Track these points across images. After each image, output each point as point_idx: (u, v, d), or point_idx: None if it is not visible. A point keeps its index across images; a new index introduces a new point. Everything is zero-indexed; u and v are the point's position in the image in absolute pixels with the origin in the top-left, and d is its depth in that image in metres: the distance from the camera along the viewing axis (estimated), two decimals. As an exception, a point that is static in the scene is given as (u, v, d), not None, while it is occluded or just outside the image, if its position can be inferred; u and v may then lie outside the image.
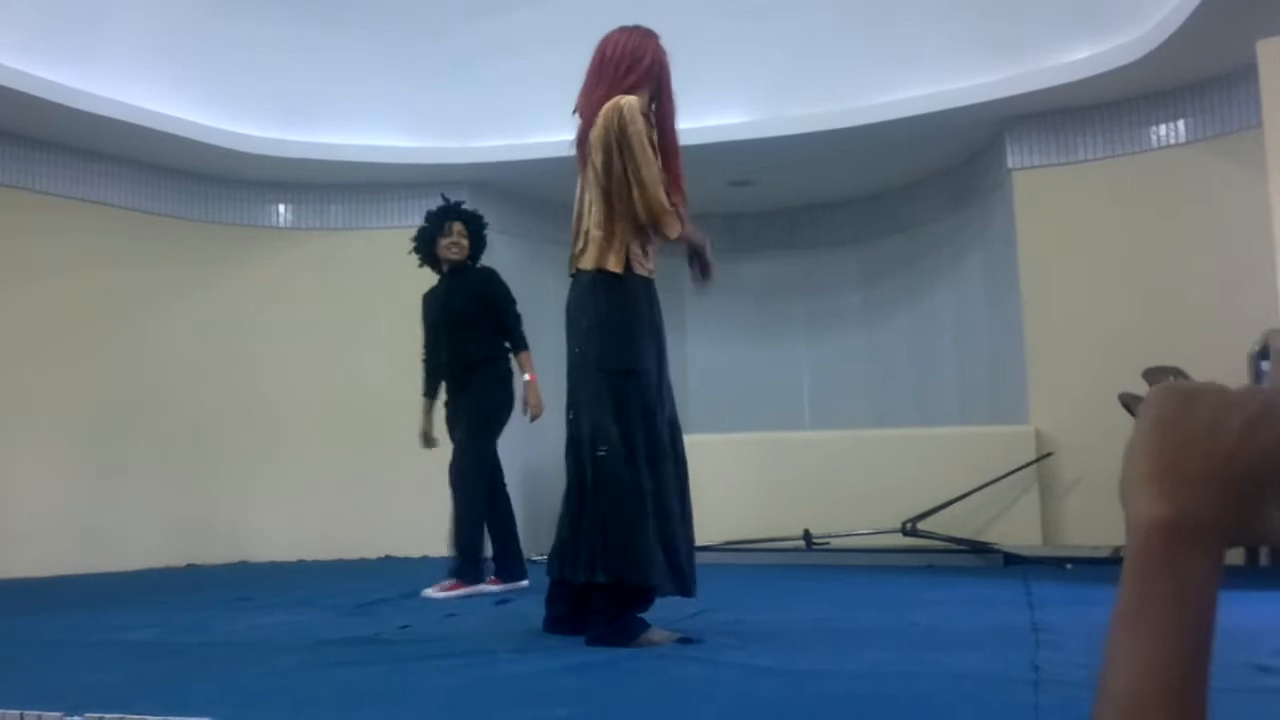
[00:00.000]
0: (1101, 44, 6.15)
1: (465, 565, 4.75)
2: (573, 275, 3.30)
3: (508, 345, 4.94)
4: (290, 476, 7.49)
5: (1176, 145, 6.39)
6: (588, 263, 3.20)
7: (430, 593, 4.64)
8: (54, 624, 4.02)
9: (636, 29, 3.42)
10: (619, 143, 3.18)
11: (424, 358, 5.08)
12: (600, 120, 3.21)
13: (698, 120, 6.94)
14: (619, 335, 3.19)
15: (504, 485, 4.95)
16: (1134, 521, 0.72)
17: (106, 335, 7.00)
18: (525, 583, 4.74)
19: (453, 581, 4.70)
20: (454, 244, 4.99)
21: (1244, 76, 5.61)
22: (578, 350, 3.22)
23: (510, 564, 4.83)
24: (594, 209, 3.22)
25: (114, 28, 6.54)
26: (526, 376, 4.83)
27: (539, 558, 6.43)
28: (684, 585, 3.17)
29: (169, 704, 2.18)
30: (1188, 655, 0.69)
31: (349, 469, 7.42)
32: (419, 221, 5.19)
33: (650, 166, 3.17)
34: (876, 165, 7.78)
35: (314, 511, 7.46)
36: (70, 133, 6.62)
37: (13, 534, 6.38)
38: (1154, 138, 6.48)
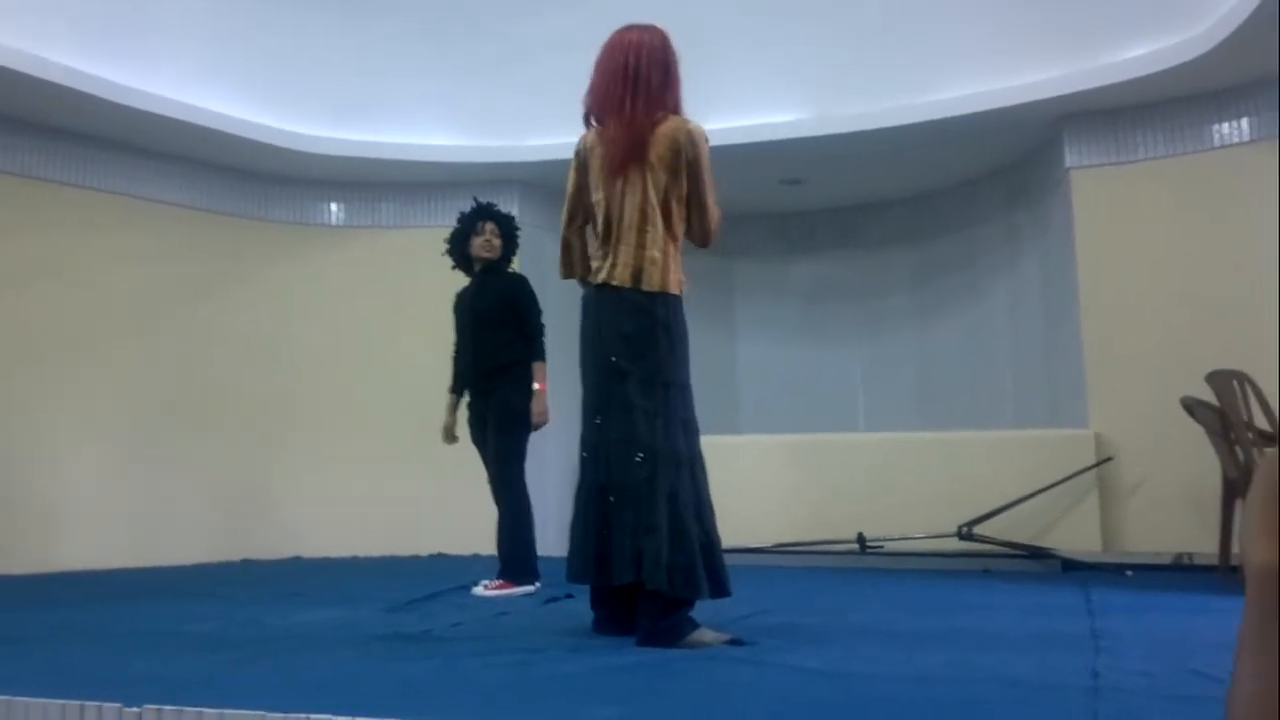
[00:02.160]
0: (1162, 40, 6.03)
1: (514, 565, 4.77)
2: (604, 285, 3.26)
3: None
4: (342, 472, 7.55)
5: (1240, 144, 6.25)
6: (648, 283, 3.19)
7: (479, 591, 4.66)
8: (112, 616, 4.08)
9: (652, 29, 3.36)
10: (689, 167, 3.21)
11: (454, 354, 5.13)
12: (666, 141, 3.20)
13: (748, 118, 6.94)
14: (673, 351, 3.23)
15: (525, 490, 4.95)
16: (1251, 567, 0.83)
17: (162, 331, 7.11)
18: (533, 588, 4.73)
19: (501, 581, 4.72)
20: (486, 243, 5.04)
21: (1311, 73, 5.48)
22: (614, 360, 3.20)
23: (518, 567, 4.83)
24: (649, 227, 3.20)
25: (168, 27, 6.64)
26: (536, 385, 4.84)
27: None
28: (723, 587, 3.16)
29: (225, 695, 2.19)
30: None
31: (401, 465, 7.47)
32: (456, 219, 5.22)
33: (712, 192, 3.27)
34: (930, 164, 7.70)
35: (366, 507, 7.52)
36: (126, 131, 6.73)
37: (73, 526, 6.50)
38: (1216, 136, 6.35)
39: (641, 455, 3.13)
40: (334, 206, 7.98)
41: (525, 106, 7.33)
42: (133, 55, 6.44)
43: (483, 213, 5.13)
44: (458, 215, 5.21)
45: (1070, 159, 6.74)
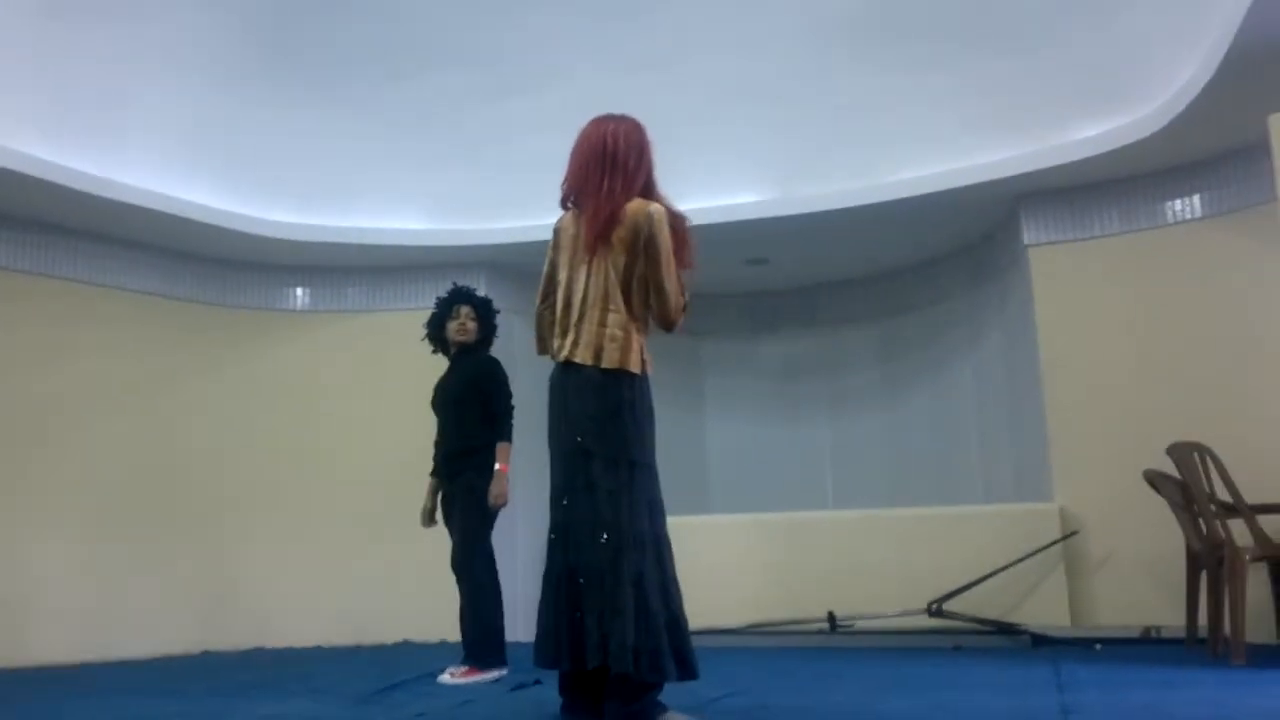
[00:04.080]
0: (1115, 120, 6.18)
1: (481, 650, 4.71)
2: (566, 363, 3.28)
3: None
4: (308, 560, 7.46)
5: (1192, 220, 6.39)
6: (609, 361, 3.21)
7: (446, 679, 4.59)
8: (71, 713, 3.97)
9: (626, 119, 3.44)
10: (646, 249, 3.24)
11: (435, 439, 5.11)
12: (629, 222, 3.24)
13: (712, 199, 7.03)
14: (638, 430, 3.23)
15: (494, 575, 4.90)
16: None
17: (127, 420, 7.04)
18: (501, 672, 4.67)
19: (467, 667, 4.66)
20: (461, 326, 5.07)
21: (1258, 151, 5.62)
22: (580, 440, 3.20)
23: (485, 652, 4.76)
24: (613, 308, 3.24)
25: (134, 115, 6.66)
26: (497, 466, 4.81)
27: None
28: (690, 669, 3.13)
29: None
30: None
31: (367, 551, 7.39)
32: (434, 304, 5.25)
33: (671, 276, 3.27)
34: (893, 243, 7.81)
35: (331, 595, 7.41)
36: (92, 219, 6.72)
37: (34, 621, 6.35)
38: (1169, 213, 6.49)
39: (606, 536, 3.11)
40: (300, 291, 7.98)
41: (491, 190, 7.40)
42: (99, 144, 6.45)
43: (458, 296, 5.17)
44: (436, 299, 5.23)
45: (1028, 236, 6.86)
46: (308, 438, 7.65)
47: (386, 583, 7.30)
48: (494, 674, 4.64)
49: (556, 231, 3.47)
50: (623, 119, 3.44)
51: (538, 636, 3.28)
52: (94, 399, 6.91)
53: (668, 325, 3.31)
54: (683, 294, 3.33)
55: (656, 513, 3.24)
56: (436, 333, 5.15)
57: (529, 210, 7.03)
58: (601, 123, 3.42)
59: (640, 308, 3.28)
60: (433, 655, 5.55)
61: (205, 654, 6.86)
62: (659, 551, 3.19)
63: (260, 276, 7.81)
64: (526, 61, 7.13)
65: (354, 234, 7.47)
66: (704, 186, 6.97)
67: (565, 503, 3.25)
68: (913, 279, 8.38)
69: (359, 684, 4.48)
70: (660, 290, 3.25)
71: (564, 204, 3.47)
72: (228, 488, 7.38)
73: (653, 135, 3.44)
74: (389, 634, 7.22)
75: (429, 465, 5.10)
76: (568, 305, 3.32)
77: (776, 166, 7.19)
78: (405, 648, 6.91)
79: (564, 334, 3.31)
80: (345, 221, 7.46)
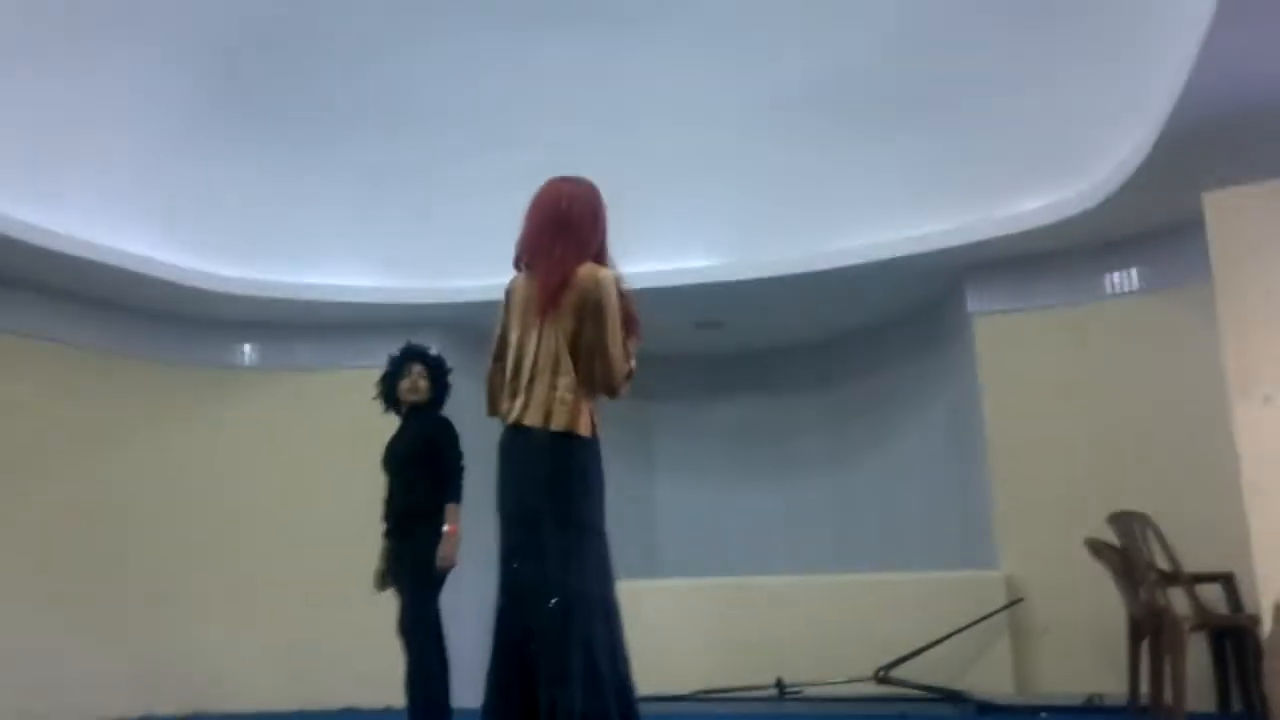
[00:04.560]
0: (1057, 193, 6.33)
1: (428, 716, 4.62)
2: (516, 426, 3.26)
3: None
4: (253, 621, 7.31)
5: (1131, 293, 6.55)
6: (557, 423, 3.20)
7: None
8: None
9: (582, 181, 3.45)
10: (593, 313, 3.23)
11: (385, 498, 5.04)
12: (577, 288, 3.25)
13: (664, 263, 7.10)
14: (588, 494, 3.22)
15: (442, 639, 4.83)
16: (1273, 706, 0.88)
17: (68, 478, 6.88)
18: None
19: None
20: (413, 385, 5.03)
21: (1194, 226, 5.73)
22: (529, 502, 3.19)
23: (439, 717, 4.68)
24: (561, 372, 3.24)
25: (79, 166, 6.54)
26: (446, 527, 4.73)
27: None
28: None
29: None
30: None
31: (313, 615, 7.26)
32: (386, 362, 5.20)
33: (617, 342, 3.25)
34: (841, 309, 7.92)
35: (277, 658, 7.26)
36: (33, 270, 6.57)
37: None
38: (1109, 285, 6.65)
39: (555, 600, 3.09)
40: (247, 348, 7.90)
41: (444, 248, 7.41)
42: (42, 193, 6.32)
43: (410, 354, 5.12)
44: (388, 357, 5.18)
45: (973, 304, 6.99)
46: (256, 497, 7.53)
47: (333, 646, 7.17)
48: None
49: (508, 293, 3.45)
50: (579, 181, 3.46)
51: (486, 702, 3.24)
52: (31, 457, 6.75)
53: (611, 391, 3.28)
54: (628, 360, 3.34)
55: (606, 577, 3.23)
56: (388, 391, 5.10)
57: (485, 269, 7.00)
58: (557, 184, 3.44)
59: (587, 372, 3.28)
60: (376, 720, 5.46)
61: (144, 719, 6.67)
62: (609, 615, 3.17)
63: (207, 332, 7.71)
64: (485, 121, 7.17)
65: (305, 290, 7.42)
66: (658, 249, 7.05)
67: (515, 566, 3.23)
68: (861, 345, 8.48)
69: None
70: (605, 355, 3.23)
71: (517, 265, 3.48)
72: (171, 548, 7.22)
73: (607, 197, 3.47)
74: (334, 699, 7.08)
75: (379, 526, 5.00)
76: (518, 368, 3.31)
77: (730, 231, 7.28)
78: (349, 715, 6.77)
79: (514, 396, 3.30)
80: (297, 278, 7.41)
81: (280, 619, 7.32)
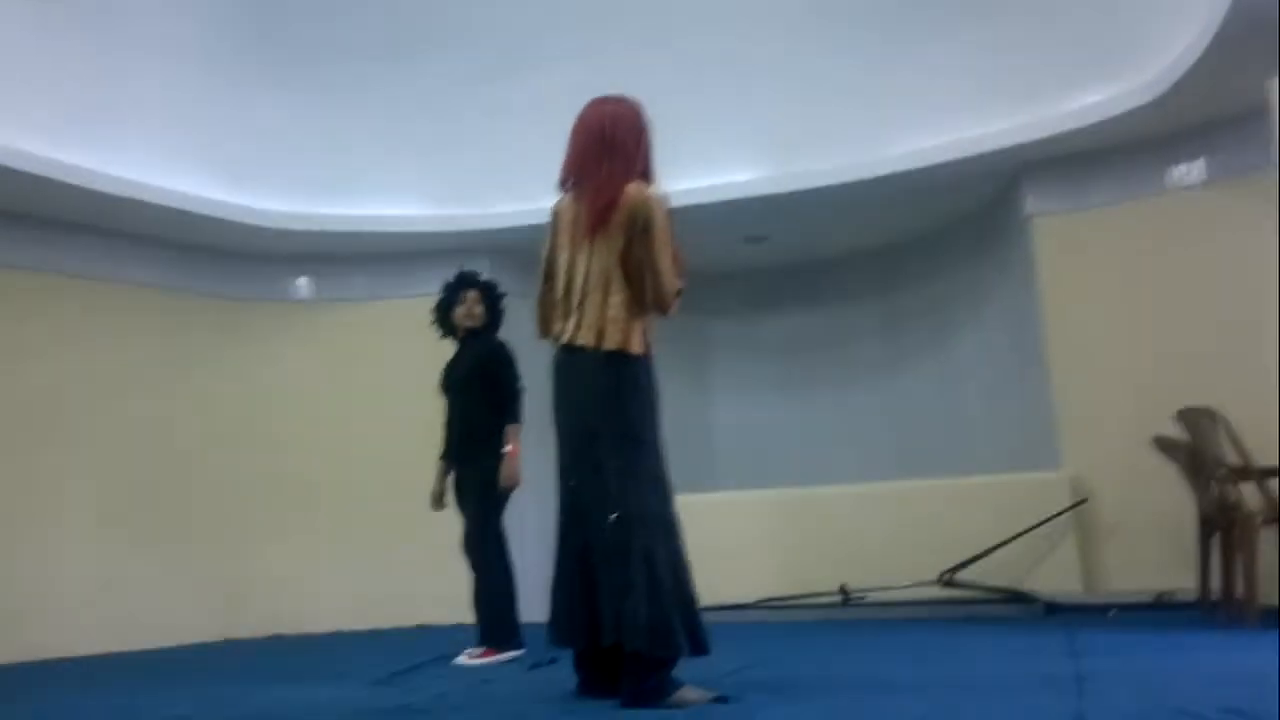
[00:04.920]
0: (1115, 87, 6.17)
1: (497, 631, 4.74)
2: (569, 346, 3.28)
3: None
4: (322, 547, 7.51)
5: (1194, 186, 6.38)
6: (610, 342, 3.21)
7: (463, 660, 4.62)
8: (88, 703, 4.01)
9: (625, 100, 3.43)
10: (642, 231, 3.22)
11: (444, 422, 5.11)
12: (625, 207, 3.24)
13: (709, 178, 7.04)
14: (643, 410, 3.24)
15: (506, 556, 4.92)
16: None
17: (134, 413, 7.06)
18: (519, 652, 4.70)
19: (485, 649, 4.69)
20: (468, 311, 5.08)
21: (1258, 115, 5.59)
22: (585, 420, 3.22)
23: (501, 633, 4.78)
24: (613, 291, 3.24)
25: (132, 109, 6.68)
26: (507, 448, 4.81)
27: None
28: (702, 645, 3.15)
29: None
30: None
31: (380, 538, 7.43)
32: (439, 290, 5.23)
33: (667, 259, 3.24)
34: (892, 217, 7.80)
35: (347, 581, 7.46)
36: (93, 214, 6.73)
37: (47, 613, 6.40)
38: (1171, 179, 6.47)
39: (615, 515, 3.12)
40: (304, 281, 7.99)
41: (492, 174, 7.40)
42: (96, 138, 6.46)
43: (464, 281, 5.17)
44: (442, 284, 5.22)
45: (1030, 206, 6.85)
46: (317, 426, 7.69)
47: (401, 567, 7.34)
48: (510, 654, 4.67)
49: (555, 214, 3.45)
50: (622, 100, 3.43)
51: (551, 616, 3.30)
52: (101, 393, 6.94)
53: (662, 309, 3.27)
54: (679, 277, 3.33)
55: (664, 491, 3.25)
56: (443, 318, 5.15)
57: (530, 193, 7.02)
58: (601, 104, 3.41)
59: (638, 290, 3.27)
60: (449, 638, 5.58)
61: (225, 642, 6.90)
62: (667, 529, 3.21)
63: (262, 267, 7.82)
64: (523, 43, 7.12)
65: (355, 222, 7.49)
66: (701, 165, 6.98)
67: (573, 483, 3.27)
68: (914, 252, 8.37)
69: (377, 667, 4.51)
70: (655, 273, 3.22)
71: (562, 186, 3.46)
72: (241, 476, 7.41)
73: (650, 114, 3.44)
74: (405, 618, 7.27)
75: (437, 450, 5.11)
76: (569, 288, 3.32)
77: (774, 143, 7.18)
78: (423, 631, 6.94)
79: (566, 317, 3.32)
80: (346, 210, 7.47)
81: (349, 542, 7.51)
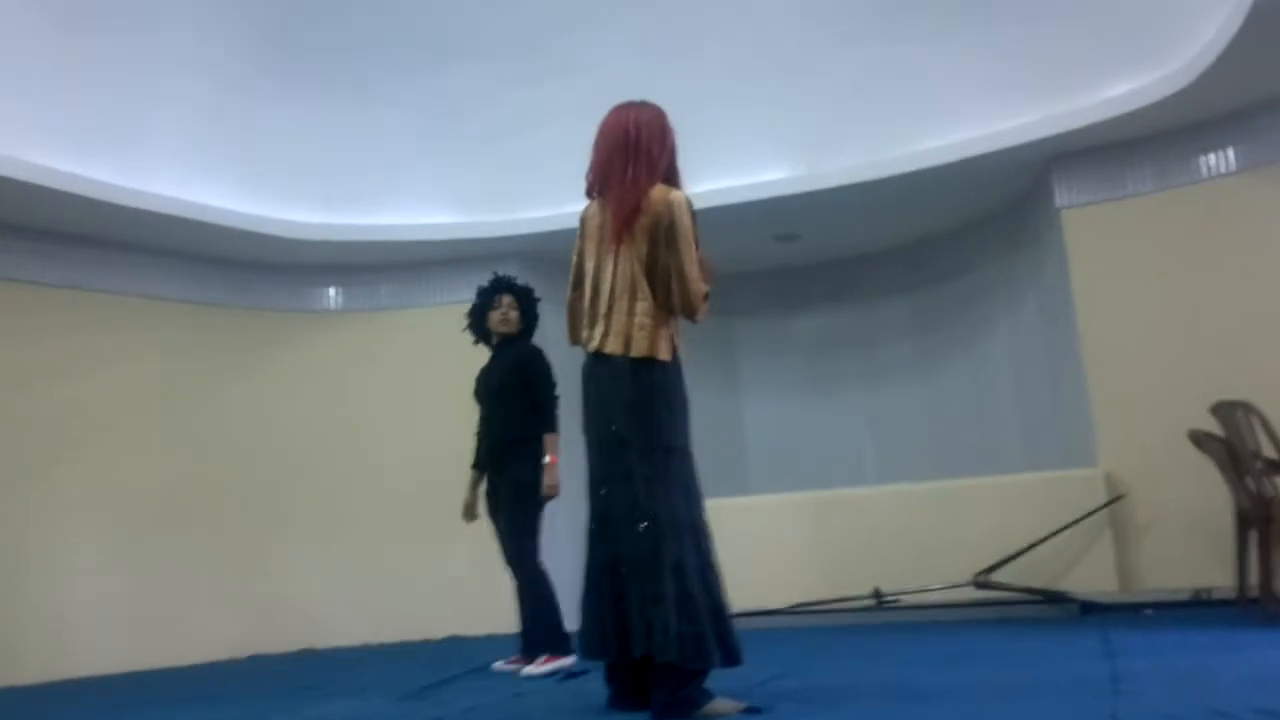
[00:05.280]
0: (1143, 76, 6.08)
1: (544, 641, 4.66)
2: (597, 354, 3.28)
3: None
4: (351, 560, 7.50)
5: (1227, 174, 6.27)
6: (637, 349, 3.21)
7: (532, 670, 4.54)
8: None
9: (647, 105, 3.43)
10: (667, 236, 3.21)
11: (476, 431, 5.08)
12: (650, 211, 3.23)
13: (739, 178, 7.00)
14: (672, 417, 3.23)
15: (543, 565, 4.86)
16: None
17: (163, 427, 7.08)
18: (573, 658, 4.59)
19: (546, 656, 4.60)
20: (504, 317, 5.02)
21: (1292, 100, 5.51)
22: (614, 429, 3.21)
23: (554, 641, 4.71)
24: (639, 297, 3.23)
25: (155, 122, 6.68)
26: (547, 458, 4.75)
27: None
28: (734, 655, 3.12)
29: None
30: None
31: (409, 550, 7.42)
32: (468, 297, 5.20)
33: (693, 263, 3.23)
34: (923, 212, 7.73)
35: (376, 594, 7.44)
36: (118, 229, 6.75)
37: (78, 632, 6.42)
38: (1204, 168, 6.37)
39: (645, 524, 3.11)
40: (332, 291, 8.01)
41: (518, 180, 7.39)
42: (121, 153, 6.47)
43: (499, 285, 5.11)
44: (477, 289, 5.17)
45: (1060, 199, 6.76)
46: (345, 437, 7.69)
47: (432, 579, 7.33)
48: (570, 659, 4.56)
49: (583, 221, 3.47)
50: (644, 105, 3.44)
51: (582, 628, 3.29)
52: (128, 407, 6.95)
53: (689, 312, 3.27)
54: (706, 281, 3.30)
55: (694, 498, 3.24)
56: (478, 323, 5.09)
57: (557, 198, 7.03)
58: (623, 110, 3.42)
59: (665, 296, 3.25)
60: (481, 649, 5.58)
61: (253, 658, 6.92)
62: (698, 537, 3.19)
63: (290, 278, 7.84)
64: (546, 50, 7.11)
65: (382, 231, 7.48)
66: (730, 165, 6.95)
67: (603, 493, 3.26)
68: (945, 248, 8.29)
69: (407, 681, 4.51)
70: (681, 276, 3.21)
71: (589, 194, 3.47)
72: (267, 490, 7.42)
73: (676, 118, 3.42)
74: (437, 630, 7.25)
75: (469, 460, 5.08)
76: (595, 295, 3.33)
77: (802, 141, 7.13)
78: (454, 642, 6.94)
79: (593, 324, 3.32)
80: (373, 219, 7.48)
81: (379, 554, 7.49)
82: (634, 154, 3.31)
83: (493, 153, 7.43)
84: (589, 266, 3.38)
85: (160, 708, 4.46)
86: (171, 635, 6.78)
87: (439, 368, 6.36)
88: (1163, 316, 6.37)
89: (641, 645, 3.06)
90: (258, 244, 7.29)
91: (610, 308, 3.27)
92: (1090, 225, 6.66)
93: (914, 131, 6.85)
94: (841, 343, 8.80)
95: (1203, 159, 6.37)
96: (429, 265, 7.87)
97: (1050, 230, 6.99)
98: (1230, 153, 6.28)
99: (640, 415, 3.19)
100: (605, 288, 3.29)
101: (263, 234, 7.15)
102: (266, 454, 7.48)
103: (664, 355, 3.23)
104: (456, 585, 7.11)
